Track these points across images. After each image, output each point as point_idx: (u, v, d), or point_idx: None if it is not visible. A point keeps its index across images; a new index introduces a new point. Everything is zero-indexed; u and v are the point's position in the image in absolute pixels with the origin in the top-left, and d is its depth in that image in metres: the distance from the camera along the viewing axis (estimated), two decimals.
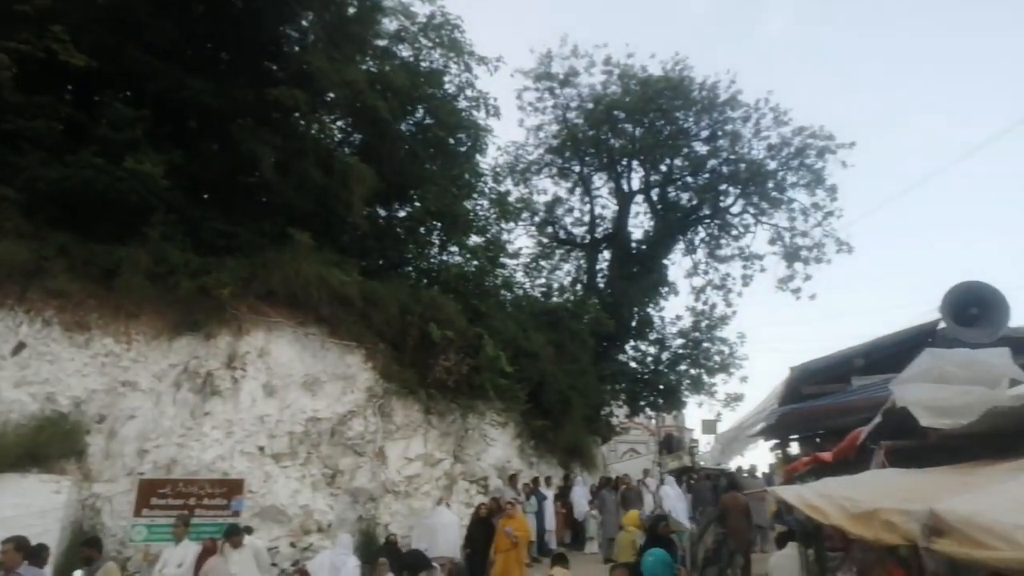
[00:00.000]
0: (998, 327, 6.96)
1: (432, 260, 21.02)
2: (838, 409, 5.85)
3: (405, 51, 20.43)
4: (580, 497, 16.54)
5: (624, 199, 29.51)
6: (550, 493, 15.87)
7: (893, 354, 7.96)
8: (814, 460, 4.96)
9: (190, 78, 14.45)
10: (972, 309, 7.26)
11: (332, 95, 17.50)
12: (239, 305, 13.25)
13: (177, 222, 13.55)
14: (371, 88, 17.07)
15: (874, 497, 2.48)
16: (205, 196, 15.84)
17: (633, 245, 28.99)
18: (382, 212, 20.21)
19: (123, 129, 13.15)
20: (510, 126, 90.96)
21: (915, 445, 3.32)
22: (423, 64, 20.57)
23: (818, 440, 7.71)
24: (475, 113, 21.56)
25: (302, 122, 17.60)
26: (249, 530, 10.15)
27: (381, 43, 19.75)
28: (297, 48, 17.52)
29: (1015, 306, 7.12)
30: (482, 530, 11.46)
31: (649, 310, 28.20)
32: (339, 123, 20.18)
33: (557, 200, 30.36)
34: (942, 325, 7.76)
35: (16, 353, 11.19)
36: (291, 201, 15.69)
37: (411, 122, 20.52)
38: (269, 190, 15.61)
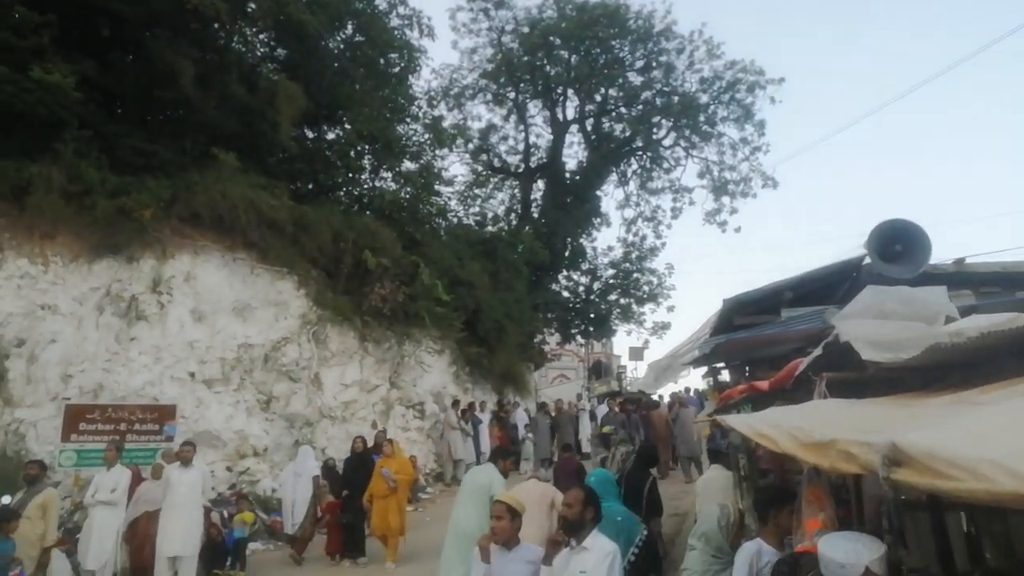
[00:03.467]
0: (919, 263, 7.30)
1: (364, 186, 20.53)
2: (771, 339, 6.11)
3: None
4: (520, 421, 17.07)
5: (559, 128, 29.32)
6: (485, 417, 16.25)
7: (820, 287, 8.32)
8: (750, 389, 5.20)
9: None
10: (896, 246, 7.57)
11: (254, 6, 16.48)
12: (162, 228, 12.68)
13: (91, 138, 12.68)
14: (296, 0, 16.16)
15: (825, 427, 2.61)
16: (120, 111, 14.88)
17: (567, 175, 29.02)
18: (310, 134, 19.48)
19: (27, 36, 12.08)
20: (444, 48, 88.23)
21: (854, 377, 3.51)
22: None
23: (746, 370, 8.07)
24: (408, 32, 20.75)
25: (222, 34, 16.57)
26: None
27: None
28: None
29: (935, 243, 7.50)
30: (360, 467, 10.10)
31: (582, 240, 28.56)
32: (262, 36, 19.08)
33: (491, 127, 29.94)
34: (867, 260, 8.08)
35: None
36: (213, 119, 14.90)
37: (340, 39, 19.61)
38: (189, 106, 14.74)
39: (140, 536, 8.83)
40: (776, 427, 2.92)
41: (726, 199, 28.88)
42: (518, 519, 4.34)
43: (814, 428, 2.62)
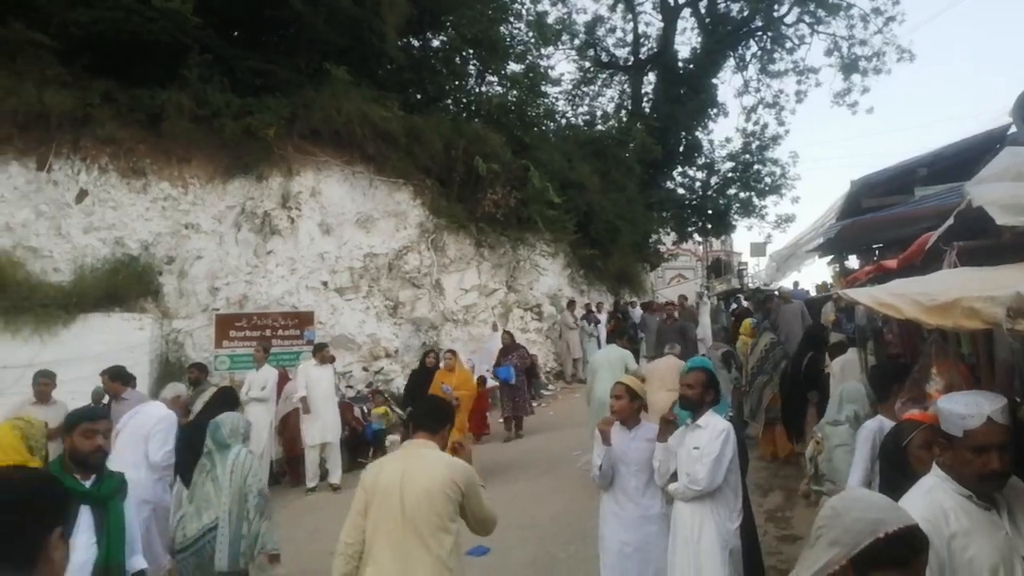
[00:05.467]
0: None
1: (471, 92, 20.49)
2: (903, 218, 5.77)
3: None
4: (638, 319, 17.24)
5: (670, 14, 27.73)
6: (603, 317, 16.45)
7: (958, 162, 7.71)
8: (878, 269, 4.99)
9: None
10: None
11: None
12: (285, 145, 13.27)
13: (213, 62, 13.25)
14: None
15: (950, 290, 2.52)
16: (236, 34, 15.41)
17: (680, 65, 27.63)
18: (415, 43, 19.48)
19: None
20: None
21: (988, 244, 3.31)
22: None
23: (876, 254, 7.69)
24: None
25: None
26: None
27: None
28: None
29: None
30: (424, 383, 9.29)
31: (697, 134, 27.43)
32: None
33: (598, 19, 28.67)
34: (1012, 130, 7.42)
35: (80, 200, 11.59)
36: (324, 35, 15.15)
37: None
38: (300, 24, 15.01)
39: (291, 429, 9.78)
40: (899, 295, 2.83)
41: (856, 77, 26.73)
42: (638, 400, 4.49)
43: (938, 292, 2.53)
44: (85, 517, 2.90)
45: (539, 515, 7.49)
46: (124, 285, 11.17)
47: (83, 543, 2.83)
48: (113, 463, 3.52)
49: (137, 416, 5.65)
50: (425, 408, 3.73)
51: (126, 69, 12.47)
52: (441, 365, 9.42)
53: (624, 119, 25.83)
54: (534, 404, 13.18)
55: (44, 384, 7.34)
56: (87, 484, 2.99)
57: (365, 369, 12.69)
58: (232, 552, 4.18)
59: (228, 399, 5.50)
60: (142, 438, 5.38)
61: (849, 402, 4.89)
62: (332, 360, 9.52)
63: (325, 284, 12.92)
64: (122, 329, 10.74)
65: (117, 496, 3.05)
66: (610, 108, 28.60)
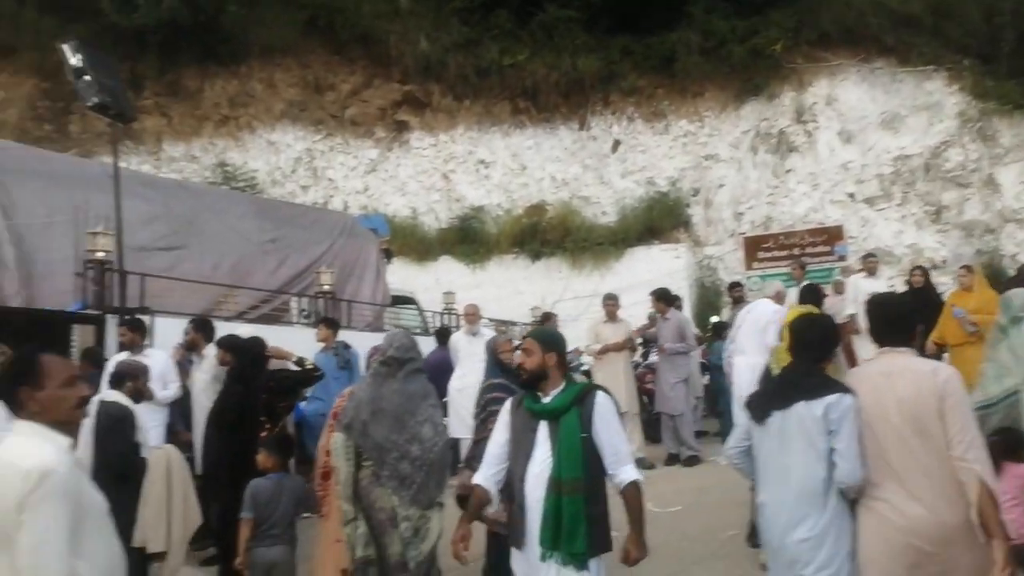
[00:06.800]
0: None
1: None
2: None
3: None
4: None
5: None
6: None
7: None
8: None
9: None
10: None
11: None
12: (794, 57, 12.77)
13: None
14: None
15: None
16: None
17: None
18: None
19: None
20: None
21: None
22: None
23: None
24: None
25: None
26: None
27: None
28: None
29: None
30: (920, 306, 6.40)
31: None
32: None
33: None
34: None
35: (615, 150, 13.09)
36: None
37: None
38: None
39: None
40: None
41: None
42: None
43: None
44: (543, 431, 2.85)
45: None
46: (658, 219, 12.36)
47: (540, 456, 2.81)
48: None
49: (752, 312, 6.33)
50: None
51: (637, 22, 13.45)
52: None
53: None
54: None
55: (610, 305, 8.32)
56: (545, 400, 2.89)
57: (908, 283, 11.47)
58: None
59: (814, 293, 5.88)
60: (759, 330, 5.97)
61: None
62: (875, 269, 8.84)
63: (851, 196, 12.12)
64: (661, 259, 11.90)
65: (571, 410, 2.83)
66: None
